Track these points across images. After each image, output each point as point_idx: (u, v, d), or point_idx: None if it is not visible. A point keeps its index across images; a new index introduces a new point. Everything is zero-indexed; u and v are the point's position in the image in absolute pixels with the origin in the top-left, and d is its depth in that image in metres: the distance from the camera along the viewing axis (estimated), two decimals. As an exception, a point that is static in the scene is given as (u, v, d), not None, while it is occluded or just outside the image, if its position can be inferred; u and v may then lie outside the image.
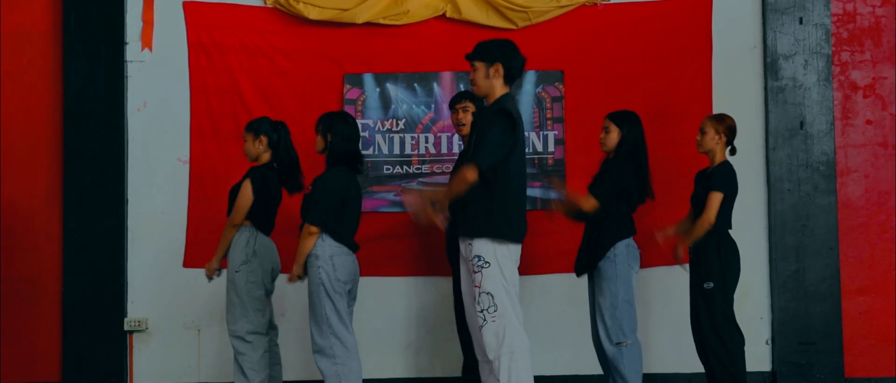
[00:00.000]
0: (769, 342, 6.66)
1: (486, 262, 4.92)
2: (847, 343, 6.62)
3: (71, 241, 6.70)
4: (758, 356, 6.61)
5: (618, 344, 5.56)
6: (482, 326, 4.91)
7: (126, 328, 6.69)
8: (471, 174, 4.90)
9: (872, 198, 6.70)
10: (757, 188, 6.66)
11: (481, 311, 4.91)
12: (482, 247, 4.93)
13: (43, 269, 6.75)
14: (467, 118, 6.00)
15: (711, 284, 5.63)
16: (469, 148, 5.13)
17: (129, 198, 6.75)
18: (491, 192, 4.94)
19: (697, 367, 5.93)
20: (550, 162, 6.76)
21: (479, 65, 5.08)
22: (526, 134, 6.11)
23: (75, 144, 6.73)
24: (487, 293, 4.90)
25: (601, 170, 5.83)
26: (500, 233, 4.96)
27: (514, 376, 4.89)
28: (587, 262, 5.74)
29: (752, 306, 6.59)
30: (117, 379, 6.67)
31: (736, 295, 6.67)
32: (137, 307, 6.75)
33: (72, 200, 6.71)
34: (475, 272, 4.93)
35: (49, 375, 6.74)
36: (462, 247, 5.06)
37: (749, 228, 6.58)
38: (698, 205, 5.74)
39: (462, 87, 6.73)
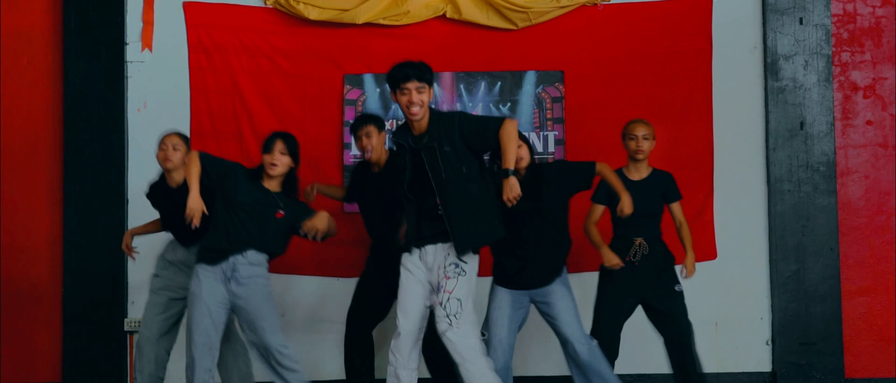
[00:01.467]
0: (769, 342, 6.66)
1: (463, 271, 4.96)
2: (847, 343, 6.62)
3: (71, 241, 6.70)
4: (758, 356, 6.62)
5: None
6: (445, 331, 4.93)
7: (126, 328, 6.69)
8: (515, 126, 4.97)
9: (873, 198, 6.70)
10: (757, 188, 6.66)
11: (447, 316, 4.92)
12: (466, 256, 4.99)
13: (43, 270, 6.75)
14: (372, 143, 5.77)
15: (681, 287, 5.60)
16: (427, 168, 4.95)
17: (129, 198, 6.75)
18: (484, 203, 4.99)
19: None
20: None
21: (429, 88, 5.05)
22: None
23: (75, 144, 6.73)
24: (458, 299, 4.93)
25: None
26: (485, 242, 5.09)
27: (477, 378, 4.92)
28: (550, 273, 5.42)
29: (753, 306, 6.60)
30: (117, 379, 6.67)
31: (735, 296, 6.68)
32: (137, 307, 6.72)
33: (72, 200, 6.71)
34: (448, 278, 4.95)
35: (49, 375, 6.74)
36: (432, 253, 5.02)
37: (749, 228, 6.59)
38: (646, 213, 5.59)
39: (462, 88, 6.73)
